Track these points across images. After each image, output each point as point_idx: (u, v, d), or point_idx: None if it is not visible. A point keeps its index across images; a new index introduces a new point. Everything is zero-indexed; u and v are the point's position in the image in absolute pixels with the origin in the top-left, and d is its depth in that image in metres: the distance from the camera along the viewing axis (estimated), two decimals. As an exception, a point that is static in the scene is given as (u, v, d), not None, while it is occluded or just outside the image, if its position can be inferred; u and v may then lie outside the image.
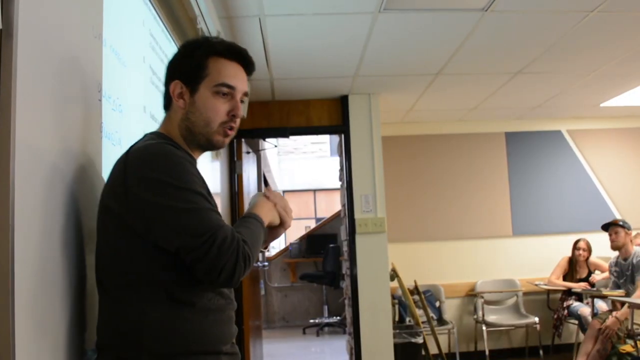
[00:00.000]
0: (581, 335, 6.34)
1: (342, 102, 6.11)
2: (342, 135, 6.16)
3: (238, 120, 1.75)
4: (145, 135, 1.70)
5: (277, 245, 15.50)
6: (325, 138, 17.67)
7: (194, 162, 1.69)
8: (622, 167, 7.86)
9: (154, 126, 2.54)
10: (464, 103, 6.65)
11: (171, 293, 1.51)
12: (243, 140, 6.17)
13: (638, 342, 5.41)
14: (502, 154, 7.63)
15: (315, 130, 6.70)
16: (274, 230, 1.79)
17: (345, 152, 6.09)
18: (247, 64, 1.77)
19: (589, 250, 6.98)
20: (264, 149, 8.96)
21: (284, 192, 17.21)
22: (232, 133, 1.75)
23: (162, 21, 2.80)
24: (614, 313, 5.75)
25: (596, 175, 7.77)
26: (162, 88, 1.78)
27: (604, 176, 7.78)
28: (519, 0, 3.84)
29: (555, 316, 6.97)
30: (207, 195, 1.54)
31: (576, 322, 6.67)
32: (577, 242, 7.03)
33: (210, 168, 4.25)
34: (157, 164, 1.49)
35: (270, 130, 6.28)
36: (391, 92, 6.01)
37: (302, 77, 5.42)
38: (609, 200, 7.75)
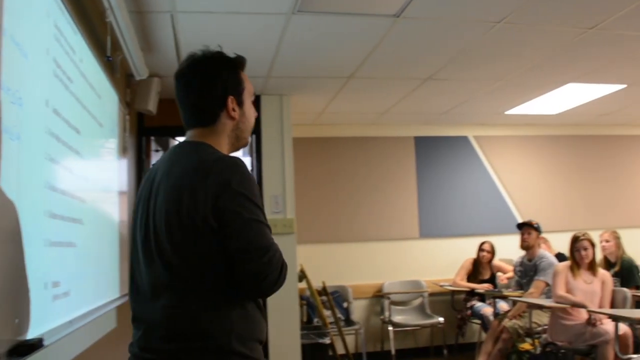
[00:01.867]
0: (483, 335, 6.54)
1: (254, 102, 6.06)
2: (253, 136, 6.13)
3: None
4: (199, 145, 1.92)
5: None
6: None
7: None
8: (524, 173, 8.16)
9: (56, 121, 2.46)
10: (375, 107, 6.74)
11: (242, 292, 1.80)
12: (152, 138, 6.04)
13: (536, 340, 5.63)
14: (411, 158, 7.78)
15: (226, 129, 6.62)
16: None
17: (256, 153, 6.06)
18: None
19: (492, 252, 7.22)
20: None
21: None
22: None
23: (68, 13, 2.70)
24: (509, 313, 5.98)
25: (500, 180, 8.03)
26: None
27: (507, 181, 8.05)
28: (430, 8, 3.92)
29: (459, 316, 7.17)
30: (263, 207, 1.84)
31: (479, 322, 6.88)
32: (481, 244, 7.26)
33: (117, 166, 4.13)
34: (243, 181, 1.77)
35: (181, 128, 6.14)
36: (304, 94, 6.03)
37: (214, 76, 5.36)
38: (511, 204, 8.03)
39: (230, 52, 2.05)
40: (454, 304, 7.46)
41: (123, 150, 4.40)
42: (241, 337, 1.77)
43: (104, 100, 3.60)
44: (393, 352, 7.03)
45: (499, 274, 7.23)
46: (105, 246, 3.62)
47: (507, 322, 5.84)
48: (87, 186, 3.10)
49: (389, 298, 7.28)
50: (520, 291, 6.21)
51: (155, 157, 6.18)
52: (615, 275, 6.17)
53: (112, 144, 3.99)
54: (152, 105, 5.00)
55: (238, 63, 2.05)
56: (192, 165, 1.82)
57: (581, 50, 4.96)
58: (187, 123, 2.03)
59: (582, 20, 4.28)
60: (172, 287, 1.77)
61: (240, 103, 2.00)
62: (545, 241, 7.02)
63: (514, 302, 6.12)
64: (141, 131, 5.76)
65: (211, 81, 1.96)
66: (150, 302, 1.80)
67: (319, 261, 7.20)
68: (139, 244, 1.87)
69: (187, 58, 2.03)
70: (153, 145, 6.07)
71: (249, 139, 2.07)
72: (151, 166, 1.99)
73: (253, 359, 1.81)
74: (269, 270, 1.74)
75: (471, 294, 7.10)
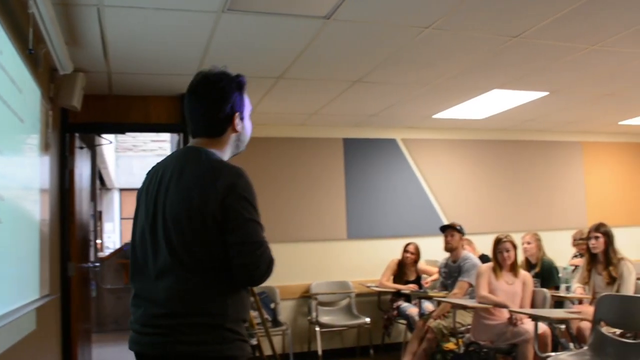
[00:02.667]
0: (409, 335, 6.64)
1: (182, 101, 5.96)
2: (182, 135, 6.05)
3: None
4: (207, 153, 2.25)
5: (111, 245, 14.99)
6: (167, 136, 17.26)
7: None
8: (450, 176, 8.32)
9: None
10: (304, 108, 6.75)
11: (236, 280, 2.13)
12: (77, 135, 5.88)
13: (460, 340, 5.74)
14: (340, 160, 7.83)
15: (153, 127, 6.53)
16: None
17: (184, 152, 5.96)
18: None
19: (417, 253, 7.33)
20: (100, 145, 8.62)
21: (120, 190, 16.66)
22: None
23: (-13, 4, 2.61)
24: (434, 314, 6.08)
25: (427, 182, 8.16)
26: None
27: (433, 184, 8.19)
28: (360, 11, 3.95)
29: (386, 316, 7.26)
30: (258, 210, 2.22)
31: (405, 322, 6.98)
32: (406, 245, 7.36)
33: (39, 162, 4.01)
34: (246, 187, 2.17)
35: (107, 125, 6.04)
36: (233, 93, 5.97)
37: (142, 73, 5.26)
38: (437, 206, 8.17)
39: (231, 71, 2.35)
40: (380, 305, 7.54)
41: (45, 147, 4.27)
42: (233, 316, 2.11)
43: (25, 94, 3.47)
44: (320, 352, 7.06)
45: (424, 276, 7.35)
46: (24, 246, 3.50)
47: (431, 322, 5.94)
48: (6, 184, 2.99)
49: (316, 299, 7.31)
50: (445, 292, 6.33)
51: (80, 154, 6.02)
52: (535, 276, 6.35)
53: (34, 140, 3.86)
54: (76, 101, 4.88)
55: (244, 85, 2.36)
56: (203, 170, 2.17)
57: (506, 58, 5.10)
58: (195, 132, 2.34)
59: (507, 29, 4.39)
60: (176, 271, 2.09)
61: (242, 119, 2.36)
62: (470, 243, 7.17)
63: (439, 303, 6.23)
64: (65, 127, 5.59)
65: (224, 101, 2.29)
66: (154, 283, 2.12)
67: (246, 262, 7.14)
68: (147, 233, 2.18)
69: (201, 75, 2.34)
70: (77, 142, 5.90)
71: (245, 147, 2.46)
72: (156, 164, 2.40)
73: (240, 334, 2.15)
74: (260, 262, 2.09)
75: (397, 294, 7.19)
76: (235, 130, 2.34)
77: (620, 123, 8.47)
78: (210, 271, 2.10)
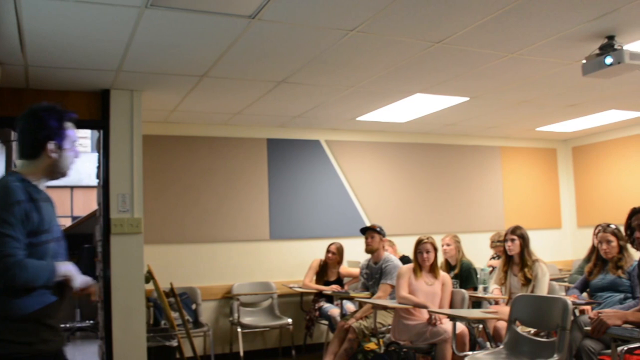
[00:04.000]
0: (331, 335, 6.67)
1: (103, 97, 5.83)
2: (102, 131, 5.90)
3: None
4: (10, 174, 2.59)
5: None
6: (87, 133, 16.86)
7: (38, 194, 2.61)
8: (373, 178, 8.40)
9: None
10: (228, 107, 6.69)
11: None
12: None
13: (381, 340, 5.80)
14: (263, 160, 7.80)
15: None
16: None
17: (104, 149, 5.83)
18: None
19: (339, 253, 7.37)
20: (16, 140, 8.31)
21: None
22: None
23: None
24: (356, 314, 6.13)
25: (350, 184, 8.23)
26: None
27: (356, 185, 8.26)
28: (285, 12, 3.94)
29: (308, 317, 7.27)
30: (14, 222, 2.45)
31: (326, 322, 7.00)
32: (328, 245, 7.40)
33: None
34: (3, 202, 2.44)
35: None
36: (155, 90, 5.87)
37: (61, 67, 5.10)
38: (360, 208, 8.24)
39: (65, 108, 2.75)
40: (302, 305, 7.56)
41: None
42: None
43: None
44: (242, 353, 7.01)
45: (346, 279, 7.39)
46: None
47: (353, 323, 5.98)
48: None
49: (238, 299, 7.25)
50: (367, 292, 6.39)
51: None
52: (454, 277, 6.49)
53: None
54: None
55: (65, 118, 2.71)
56: None
57: (429, 63, 5.19)
58: (17, 152, 2.66)
59: (430, 34, 4.47)
60: None
61: (60, 148, 2.67)
62: (392, 244, 7.26)
63: (360, 304, 6.29)
64: (-23, 122, 5.39)
65: (39, 128, 2.62)
66: None
67: (167, 262, 7.05)
68: None
69: (29, 107, 2.68)
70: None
71: (68, 172, 2.76)
72: None
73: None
74: None
75: (319, 295, 7.22)
76: (49, 157, 2.64)
77: (537, 129, 8.76)
78: None
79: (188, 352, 6.52)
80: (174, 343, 6.17)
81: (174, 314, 6.41)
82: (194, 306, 7.04)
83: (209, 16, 3.97)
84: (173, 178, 7.29)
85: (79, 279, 2.70)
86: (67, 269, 2.64)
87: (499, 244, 7.06)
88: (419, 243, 5.73)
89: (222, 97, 6.25)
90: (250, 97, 6.23)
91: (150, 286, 6.23)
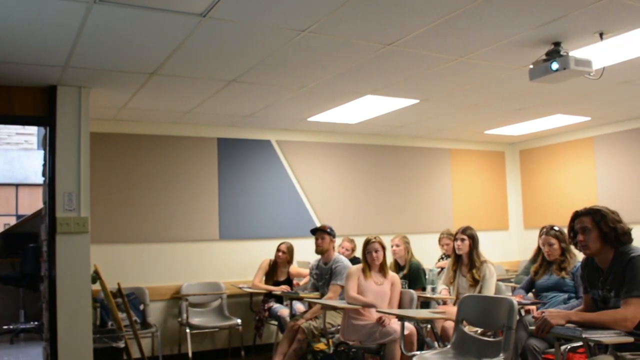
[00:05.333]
0: (280, 335, 6.66)
1: (50, 93, 5.70)
2: (48, 128, 5.77)
3: None
4: None
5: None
6: (33, 129, 16.53)
7: None
8: (324, 178, 8.42)
9: None
10: (179, 106, 6.62)
11: None
12: None
13: (330, 340, 5.82)
14: (214, 159, 7.74)
15: (16, 120, 6.19)
16: None
17: (50, 146, 5.70)
18: None
19: (289, 253, 7.38)
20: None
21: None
22: None
23: None
24: (305, 315, 6.13)
25: (300, 184, 8.23)
26: None
27: (307, 186, 8.27)
28: (237, 10, 3.92)
29: (257, 317, 7.25)
30: None
31: (276, 323, 7.00)
32: (279, 245, 7.39)
33: None
34: None
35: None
36: (104, 87, 5.77)
37: (5, 61, 4.96)
38: (310, 209, 8.25)
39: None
40: (252, 306, 7.53)
41: None
42: None
43: None
44: (190, 354, 6.95)
45: (296, 280, 7.39)
46: None
47: (302, 323, 5.98)
48: None
49: (187, 300, 7.19)
50: (316, 293, 6.40)
51: None
52: (403, 277, 6.56)
53: None
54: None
55: None
56: None
57: (380, 65, 5.22)
58: None
59: (381, 36, 4.50)
60: None
61: None
62: (352, 242, 7.37)
63: (310, 304, 6.29)
64: None
65: None
66: None
67: (115, 262, 6.94)
68: None
69: None
70: None
71: None
72: None
73: None
74: None
75: (269, 295, 7.21)
76: None
77: (486, 132, 8.90)
78: None
79: (136, 354, 6.43)
80: (121, 344, 6.08)
81: (121, 315, 6.32)
82: (141, 307, 6.94)
83: (159, 13, 3.92)
84: (121, 177, 7.18)
85: None
86: None
87: (447, 237, 7.22)
88: (368, 243, 5.77)
89: (172, 96, 6.18)
90: (200, 96, 6.18)
91: (97, 286, 6.12)
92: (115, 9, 3.85)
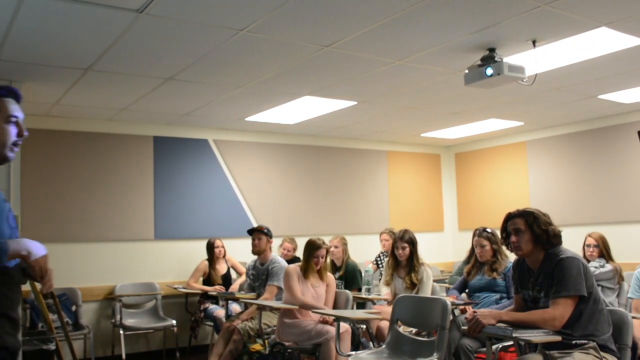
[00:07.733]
0: (216, 336, 6.61)
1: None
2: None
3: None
4: None
5: None
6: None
7: None
8: (261, 178, 8.41)
9: None
10: (114, 102, 6.50)
11: None
12: None
13: (266, 340, 5.79)
14: (149, 158, 7.63)
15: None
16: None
17: (-21, 143, 5.52)
18: (19, 99, 2.50)
19: (223, 246, 7.40)
20: None
21: None
22: (17, 149, 2.44)
23: None
24: (241, 316, 6.10)
25: (237, 184, 8.19)
26: None
27: (244, 186, 8.23)
28: (174, 7, 3.88)
29: (193, 318, 7.19)
30: None
31: (212, 323, 6.94)
32: (213, 242, 7.38)
33: None
34: None
35: None
36: (36, 82, 5.63)
37: None
38: (247, 209, 8.22)
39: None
40: (187, 306, 7.45)
41: None
42: None
43: None
44: (124, 356, 6.84)
45: (233, 285, 7.32)
46: None
47: (238, 324, 5.94)
48: None
49: (120, 301, 7.06)
50: (253, 293, 6.37)
51: None
52: (339, 278, 6.58)
53: None
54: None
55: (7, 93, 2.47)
56: None
57: (317, 66, 5.25)
58: None
59: (319, 38, 4.52)
60: None
61: None
62: (293, 241, 7.42)
63: (246, 305, 6.26)
64: None
65: None
66: None
67: (45, 262, 6.76)
68: None
69: None
70: None
71: (11, 155, 2.42)
72: None
73: None
74: None
75: (205, 296, 7.15)
76: None
77: (422, 135, 9.03)
78: None
79: (67, 356, 6.26)
80: (52, 346, 5.93)
81: (52, 316, 6.15)
82: (73, 308, 6.79)
83: (94, 7, 3.85)
84: (54, 174, 7.00)
85: (35, 249, 2.32)
86: (23, 244, 2.27)
87: (387, 232, 7.36)
88: (316, 247, 5.68)
89: (107, 92, 6.07)
90: (136, 93, 6.09)
91: (26, 287, 5.93)
92: (49, 2, 3.77)
